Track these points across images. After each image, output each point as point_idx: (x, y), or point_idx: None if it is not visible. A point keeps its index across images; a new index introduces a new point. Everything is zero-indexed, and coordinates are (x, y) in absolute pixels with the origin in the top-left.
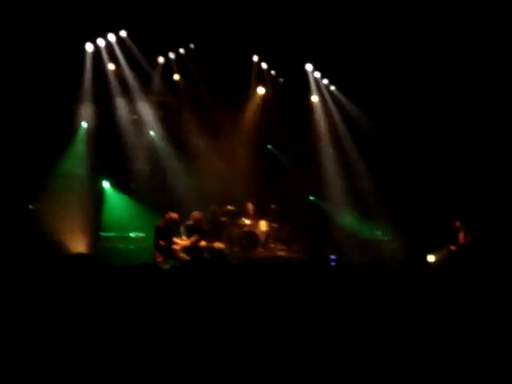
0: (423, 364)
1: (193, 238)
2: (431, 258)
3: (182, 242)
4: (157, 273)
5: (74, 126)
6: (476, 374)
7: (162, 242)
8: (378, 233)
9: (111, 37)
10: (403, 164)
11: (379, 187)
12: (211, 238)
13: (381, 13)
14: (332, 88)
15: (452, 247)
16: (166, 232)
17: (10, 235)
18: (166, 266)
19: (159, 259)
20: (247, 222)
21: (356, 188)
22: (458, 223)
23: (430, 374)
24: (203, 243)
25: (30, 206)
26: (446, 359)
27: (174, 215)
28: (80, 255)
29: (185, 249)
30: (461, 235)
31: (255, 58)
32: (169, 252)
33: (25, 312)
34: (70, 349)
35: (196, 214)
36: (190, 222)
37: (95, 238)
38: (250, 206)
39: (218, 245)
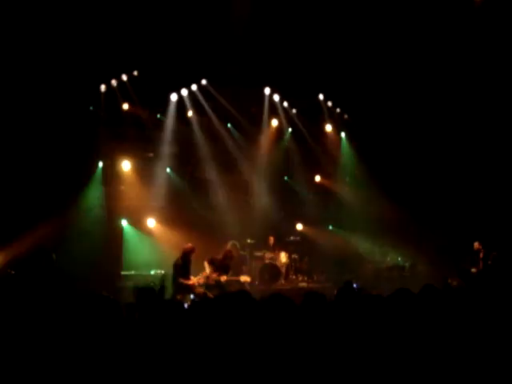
0: None
1: (210, 273)
2: (454, 282)
3: (201, 277)
4: (178, 310)
5: (91, 166)
6: None
7: (181, 280)
8: (399, 259)
9: (124, 77)
10: (421, 188)
11: (398, 213)
12: (238, 273)
13: (390, 40)
14: (345, 116)
15: (473, 269)
16: (184, 267)
17: (33, 278)
18: (187, 303)
19: (179, 296)
20: (268, 254)
21: (375, 215)
22: (477, 244)
23: None
24: (224, 278)
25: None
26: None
27: (188, 246)
28: (97, 296)
29: (206, 285)
30: (481, 257)
31: (267, 91)
32: (188, 288)
33: (42, 352)
34: None
35: (225, 251)
36: (218, 257)
37: (116, 277)
38: (271, 239)
39: (244, 278)
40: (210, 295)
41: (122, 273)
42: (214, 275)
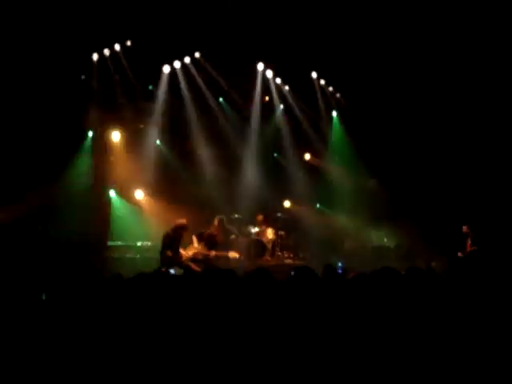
0: (429, 371)
1: (199, 248)
2: (437, 265)
3: (189, 251)
4: (161, 282)
5: (80, 135)
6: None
7: (168, 252)
8: (385, 239)
9: (117, 47)
10: (410, 169)
11: (386, 193)
12: (224, 247)
13: (384, 19)
14: (337, 96)
15: (459, 254)
16: (174, 240)
17: (23, 253)
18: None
19: (164, 269)
20: (254, 230)
21: (363, 195)
22: (465, 228)
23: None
24: (213, 253)
25: (39, 227)
26: (451, 365)
27: (182, 221)
28: (88, 268)
29: (194, 259)
30: (468, 241)
31: (260, 66)
32: (175, 261)
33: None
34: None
35: (213, 227)
36: (204, 231)
37: (103, 248)
38: (260, 217)
39: (233, 254)
40: (197, 269)
41: (109, 243)
42: (203, 250)
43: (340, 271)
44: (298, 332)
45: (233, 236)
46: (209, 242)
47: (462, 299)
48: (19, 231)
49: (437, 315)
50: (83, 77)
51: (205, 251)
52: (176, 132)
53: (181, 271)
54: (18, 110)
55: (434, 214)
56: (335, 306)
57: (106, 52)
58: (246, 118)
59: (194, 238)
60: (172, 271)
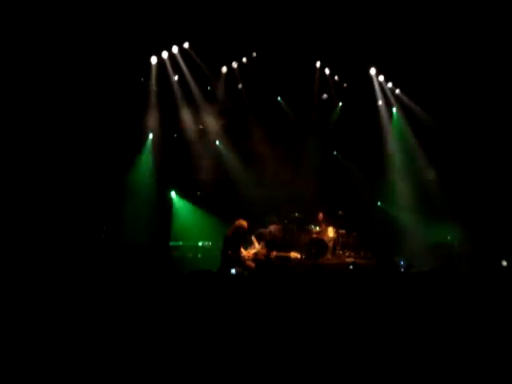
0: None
1: (260, 248)
2: (504, 263)
3: (250, 251)
4: (224, 279)
5: (141, 138)
6: None
7: (230, 252)
8: (448, 237)
9: (175, 49)
10: (473, 166)
11: (448, 191)
12: (286, 248)
13: (440, 14)
14: (397, 91)
15: None
16: (235, 240)
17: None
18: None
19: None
20: (315, 228)
21: (425, 192)
22: None
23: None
24: (274, 253)
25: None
26: None
27: (244, 222)
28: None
29: (255, 259)
30: None
31: (318, 64)
32: (237, 261)
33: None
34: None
35: (273, 227)
36: (265, 231)
37: (165, 248)
38: (321, 215)
39: (294, 254)
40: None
41: (171, 243)
42: (264, 250)
43: (402, 269)
44: (354, 326)
45: (294, 235)
46: (269, 242)
47: None
48: (85, 232)
49: (501, 313)
50: (142, 79)
51: (266, 252)
52: (235, 132)
53: (241, 271)
54: (80, 112)
55: (501, 210)
56: (395, 302)
57: (165, 55)
58: (304, 117)
59: (254, 239)
60: (233, 271)
